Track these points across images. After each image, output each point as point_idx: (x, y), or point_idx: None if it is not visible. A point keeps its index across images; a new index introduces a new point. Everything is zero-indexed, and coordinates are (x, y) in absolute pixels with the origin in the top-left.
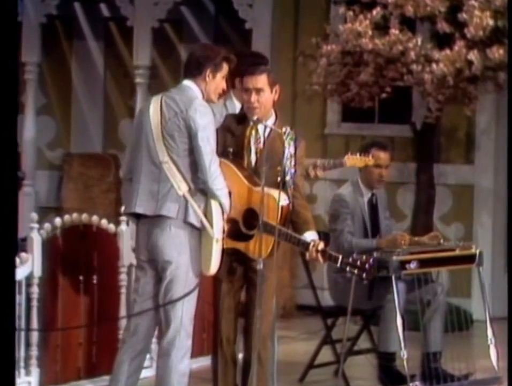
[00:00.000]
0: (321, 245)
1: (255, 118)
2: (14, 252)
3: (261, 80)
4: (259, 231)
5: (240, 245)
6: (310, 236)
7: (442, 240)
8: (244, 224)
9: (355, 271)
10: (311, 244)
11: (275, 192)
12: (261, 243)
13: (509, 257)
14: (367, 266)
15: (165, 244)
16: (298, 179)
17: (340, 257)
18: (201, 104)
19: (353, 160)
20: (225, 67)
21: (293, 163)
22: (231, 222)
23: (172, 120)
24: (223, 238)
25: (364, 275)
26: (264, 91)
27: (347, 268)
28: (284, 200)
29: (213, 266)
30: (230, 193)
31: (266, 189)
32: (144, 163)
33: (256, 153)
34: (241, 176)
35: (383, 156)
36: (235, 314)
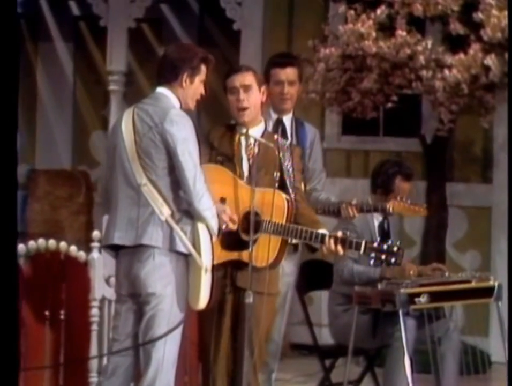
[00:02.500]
0: (339, 233)
1: (244, 130)
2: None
3: (248, 77)
4: (261, 232)
5: (241, 255)
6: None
7: (446, 274)
8: (244, 230)
9: (383, 257)
10: (328, 235)
11: (276, 190)
12: (264, 247)
13: (509, 282)
14: (395, 248)
15: (148, 275)
16: (298, 184)
17: (363, 242)
18: (177, 114)
19: (400, 207)
20: (203, 70)
21: (290, 169)
22: (228, 231)
23: (147, 136)
24: (213, 265)
25: (393, 259)
26: (252, 89)
27: (372, 254)
28: (288, 199)
29: (203, 299)
30: (224, 199)
31: (266, 188)
32: (120, 187)
33: (248, 160)
34: (233, 176)
35: (407, 187)
36: (228, 356)
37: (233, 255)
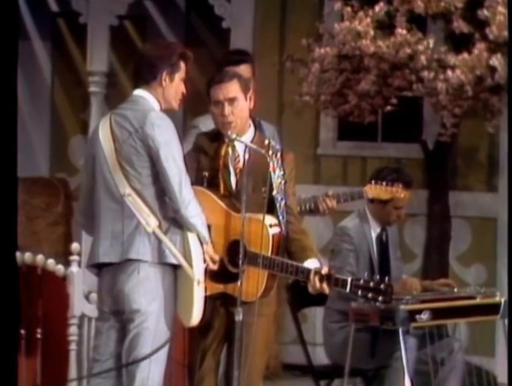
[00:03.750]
0: (325, 270)
1: (233, 136)
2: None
3: (233, 88)
4: (245, 265)
5: (227, 288)
6: (311, 264)
7: (455, 289)
8: (230, 260)
9: (370, 295)
10: (313, 271)
11: (262, 216)
12: (251, 279)
13: (509, 295)
14: (382, 286)
15: (132, 290)
16: (291, 200)
17: (349, 279)
18: (158, 116)
19: (376, 190)
20: (182, 67)
21: (282, 182)
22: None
23: (127, 142)
24: (205, 280)
25: (380, 298)
26: (238, 101)
27: (359, 293)
28: (274, 227)
29: (196, 314)
30: (209, 227)
31: (251, 214)
32: (102, 201)
33: (235, 174)
34: (221, 203)
35: (406, 196)
36: (215, 378)
37: (219, 288)
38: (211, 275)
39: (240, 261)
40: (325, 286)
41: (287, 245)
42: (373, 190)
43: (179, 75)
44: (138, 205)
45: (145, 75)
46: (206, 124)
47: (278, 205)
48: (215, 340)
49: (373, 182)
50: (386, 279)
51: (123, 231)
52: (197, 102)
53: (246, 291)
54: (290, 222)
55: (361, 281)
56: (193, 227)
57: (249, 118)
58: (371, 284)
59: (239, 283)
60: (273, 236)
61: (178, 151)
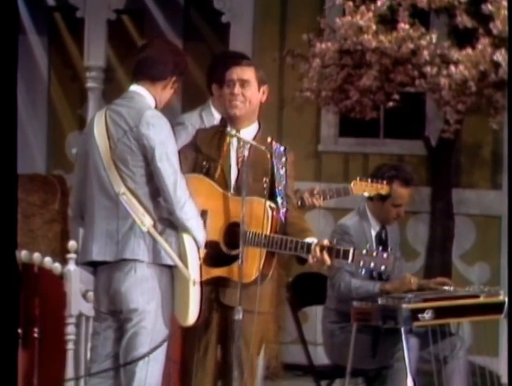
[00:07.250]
0: (325, 241)
1: (233, 132)
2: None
3: (248, 72)
4: (244, 245)
5: (223, 271)
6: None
7: (451, 288)
8: (227, 243)
9: (372, 264)
10: (314, 243)
11: (260, 199)
12: (249, 261)
13: (509, 293)
14: (385, 255)
15: (130, 289)
16: (290, 192)
17: (352, 250)
18: (154, 115)
19: (362, 187)
20: (180, 78)
21: (283, 176)
22: (209, 245)
23: (122, 140)
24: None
25: (383, 267)
26: (250, 85)
27: (361, 263)
28: (273, 209)
29: (192, 313)
30: (205, 212)
31: (250, 197)
32: (96, 198)
33: (237, 164)
34: (216, 187)
35: (405, 193)
36: (214, 377)
37: (216, 272)
38: (207, 260)
39: (241, 243)
40: (326, 257)
41: (285, 229)
42: (358, 187)
43: (177, 85)
44: (133, 204)
45: (152, 72)
46: (192, 120)
47: (277, 194)
48: (213, 338)
49: (358, 178)
50: (390, 248)
51: (118, 230)
52: (196, 97)
53: (243, 272)
54: (288, 209)
55: (363, 251)
56: (188, 230)
57: (256, 112)
58: (374, 254)
59: (238, 263)
60: (272, 217)
61: (173, 152)
